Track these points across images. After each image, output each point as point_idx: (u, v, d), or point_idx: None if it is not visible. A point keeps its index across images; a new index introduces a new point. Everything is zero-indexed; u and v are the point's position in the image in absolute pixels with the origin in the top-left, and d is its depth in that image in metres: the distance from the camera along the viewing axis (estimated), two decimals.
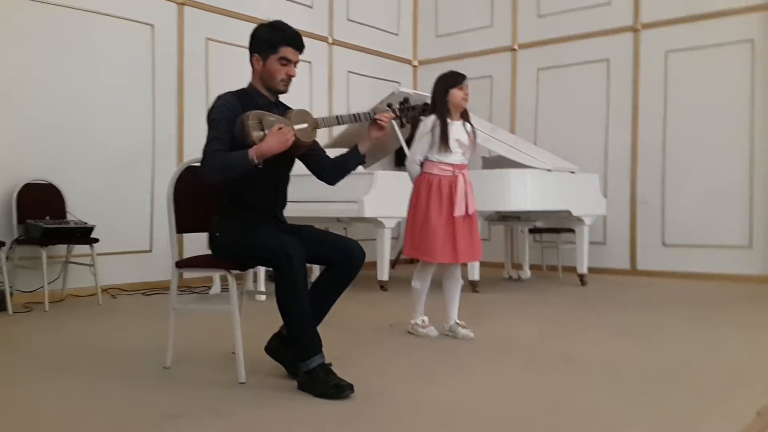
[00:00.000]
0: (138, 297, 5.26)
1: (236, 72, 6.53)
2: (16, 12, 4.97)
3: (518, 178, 5.30)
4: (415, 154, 3.61)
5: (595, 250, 6.92)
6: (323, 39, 7.30)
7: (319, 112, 7.17)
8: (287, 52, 2.70)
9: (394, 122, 2.93)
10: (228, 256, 2.71)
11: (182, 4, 6.02)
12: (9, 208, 4.82)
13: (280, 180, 2.80)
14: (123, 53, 5.64)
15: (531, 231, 6.70)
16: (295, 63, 2.74)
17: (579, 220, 5.87)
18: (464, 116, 3.65)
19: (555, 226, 6.59)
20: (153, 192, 5.79)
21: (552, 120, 7.40)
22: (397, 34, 8.23)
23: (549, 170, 5.44)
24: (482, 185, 5.29)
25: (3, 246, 4.50)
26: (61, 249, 5.03)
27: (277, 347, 2.81)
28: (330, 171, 2.88)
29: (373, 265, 5.76)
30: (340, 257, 2.72)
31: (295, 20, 6.80)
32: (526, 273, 6.58)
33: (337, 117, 2.79)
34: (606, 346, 3.46)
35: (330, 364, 2.54)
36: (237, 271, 2.74)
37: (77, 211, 5.09)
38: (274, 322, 2.76)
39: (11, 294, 4.53)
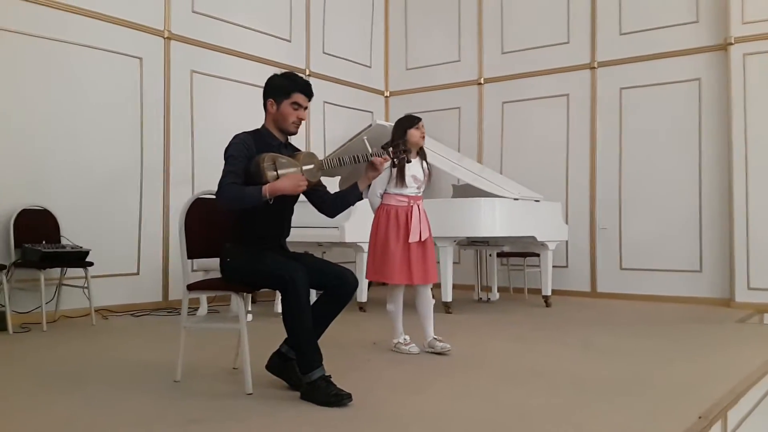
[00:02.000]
0: (127, 318, 5.50)
1: (219, 102, 6.89)
2: (10, 45, 5.22)
3: (487, 206, 5.69)
4: (375, 188, 3.98)
5: (558, 274, 7.38)
6: (301, 71, 7.66)
7: (296, 141, 7.50)
8: (299, 98, 3.05)
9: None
10: (237, 279, 3.03)
11: (169, 38, 6.33)
12: (7, 232, 5.04)
13: (286, 213, 3.14)
14: (113, 85, 5.91)
15: (499, 255, 7.10)
16: (305, 108, 3.09)
17: (543, 245, 6.31)
18: (421, 154, 4.05)
19: (521, 251, 7.03)
20: (141, 216, 6.05)
21: (516, 149, 7.87)
22: (369, 66, 8.65)
23: (516, 199, 5.86)
24: (454, 213, 5.73)
25: (3, 269, 4.71)
26: (55, 272, 5.25)
27: (277, 364, 3.12)
28: (331, 205, 3.23)
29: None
30: (336, 284, 3.06)
31: (274, 53, 7.27)
32: (495, 295, 6.97)
33: (339, 159, 3.15)
34: (570, 359, 3.86)
35: (330, 376, 2.86)
36: (247, 294, 3.07)
37: (70, 234, 5.32)
38: (271, 338, 3.07)
39: (10, 314, 4.72)
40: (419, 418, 2.65)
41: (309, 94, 3.07)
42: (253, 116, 3.54)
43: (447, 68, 8.41)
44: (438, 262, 4.41)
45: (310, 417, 2.64)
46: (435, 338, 4.01)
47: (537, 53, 7.72)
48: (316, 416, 2.65)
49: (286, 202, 3.06)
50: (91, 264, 5.13)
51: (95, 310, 5.31)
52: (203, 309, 5.72)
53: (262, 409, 2.74)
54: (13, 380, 3.29)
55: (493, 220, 5.69)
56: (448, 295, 5.80)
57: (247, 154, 2.91)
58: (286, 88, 3.03)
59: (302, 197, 3.19)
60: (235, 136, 3.02)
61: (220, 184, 2.88)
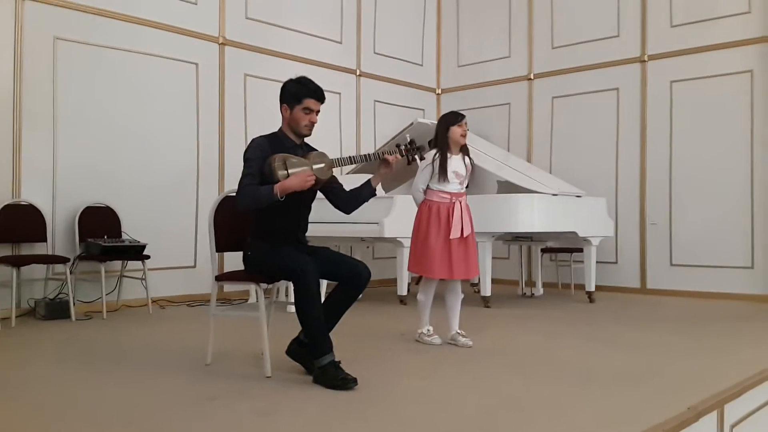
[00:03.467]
0: (183, 308, 5.89)
1: (271, 104, 7.21)
2: (79, 55, 5.68)
3: (526, 202, 5.77)
4: (418, 183, 4.14)
5: (608, 270, 7.36)
6: (351, 71, 7.92)
7: (347, 138, 7.82)
8: (310, 102, 3.28)
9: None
10: (257, 271, 3.29)
11: (223, 44, 6.70)
12: (72, 228, 5.51)
13: (302, 210, 3.38)
14: (171, 89, 6.32)
15: (543, 251, 7.14)
16: (317, 112, 3.31)
17: (586, 240, 6.32)
18: (463, 150, 4.17)
19: (568, 246, 7.05)
20: (197, 213, 6.44)
21: (566, 145, 7.86)
22: (421, 65, 8.81)
23: (554, 195, 5.91)
24: (493, 208, 5.84)
25: (68, 262, 5.18)
26: (116, 264, 5.70)
27: (295, 350, 3.37)
28: (346, 201, 3.45)
29: (394, 281, 6.32)
30: (349, 276, 3.27)
31: (325, 55, 7.52)
32: (539, 290, 7.02)
33: (350, 157, 3.36)
34: (588, 353, 3.93)
35: (339, 362, 3.08)
36: (265, 285, 3.33)
37: (131, 230, 5.76)
38: (297, 328, 3.31)
39: (74, 303, 5.18)
40: (416, 401, 2.83)
41: (320, 99, 3.29)
42: None
43: (497, 64, 8.47)
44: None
45: (317, 398, 2.87)
46: (458, 332, 4.15)
47: (587, 47, 7.68)
48: (323, 397, 2.88)
49: (302, 200, 3.29)
50: (147, 257, 5.54)
51: (153, 301, 5.74)
52: (252, 300, 6.05)
53: (276, 390, 2.99)
54: (70, 361, 3.67)
55: (531, 215, 5.76)
56: (487, 290, 5.92)
57: (262, 156, 3.16)
58: (298, 93, 3.26)
59: (320, 195, 3.42)
60: (252, 140, 3.27)
61: (239, 186, 3.15)
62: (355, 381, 2.98)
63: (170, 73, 6.31)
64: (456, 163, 4.10)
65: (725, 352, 4.02)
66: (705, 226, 6.82)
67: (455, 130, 4.09)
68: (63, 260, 5.16)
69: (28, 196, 5.36)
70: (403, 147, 3.43)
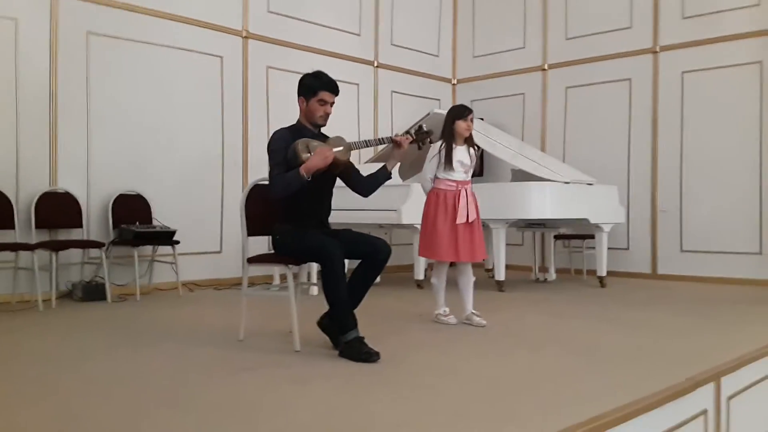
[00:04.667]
0: (210, 291, 6.19)
1: (291, 94, 7.48)
2: (110, 49, 5.96)
3: (538, 190, 5.97)
4: (426, 173, 4.40)
5: (619, 255, 7.56)
6: (369, 63, 8.14)
7: (365, 127, 8.06)
8: (324, 95, 3.53)
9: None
10: (286, 253, 3.55)
11: (246, 37, 6.95)
12: (106, 215, 5.81)
13: (325, 195, 3.64)
14: (197, 81, 6.58)
15: (556, 237, 7.35)
16: (331, 104, 3.56)
17: (598, 227, 6.52)
18: (468, 141, 4.40)
19: (580, 233, 7.25)
20: (223, 201, 6.72)
21: (579, 134, 8.05)
22: (437, 56, 9.01)
23: (566, 182, 6.11)
24: (506, 196, 6.06)
25: (103, 246, 5.48)
26: (148, 249, 5.99)
27: (326, 324, 3.63)
28: (364, 185, 3.70)
29: (411, 267, 6.57)
30: (370, 252, 3.54)
31: (344, 47, 7.74)
32: (552, 275, 7.24)
33: (365, 141, 3.62)
34: (593, 331, 4.17)
35: (363, 338, 3.33)
36: (295, 267, 3.59)
37: (161, 216, 6.05)
38: (321, 308, 3.57)
39: (109, 286, 5.48)
40: (434, 372, 3.09)
41: (334, 91, 3.53)
42: None
43: (512, 55, 8.65)
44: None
45: (344, 369, 3.14)
46: (473, 312, 4.40)
47: (600, 39, 7.84)
48: (349, 368, 3.14)
49: (324, 186, 3.55)
50: (177, 242, 5.83)
51: (182, 284, 6.03)
52: (276, 283, 6.32)
53: (306, 362, 3.26)
54: (111, 339, 3.96)
55: (543, 202, 5.97)
56: (501, 274, 6.15)
57: (285, 145, 3.43)
58: (313, 86, 3.51)
59: (339, 182, 3.67)
60: (274, 132, 3.54)
61: (270, 177, 3.41)
62: (378, 354, 3.24)
63: (196, 66, 6.57)
64: (461, 153, 4.34)
65: (727, 331, 4.23)
66: (715, 213, 7.00)
67: (460, 124, 4.32)
68: (98, 245, 5.46)
69: (64, 185, 5.65)
70: (413, 131, 3.67)
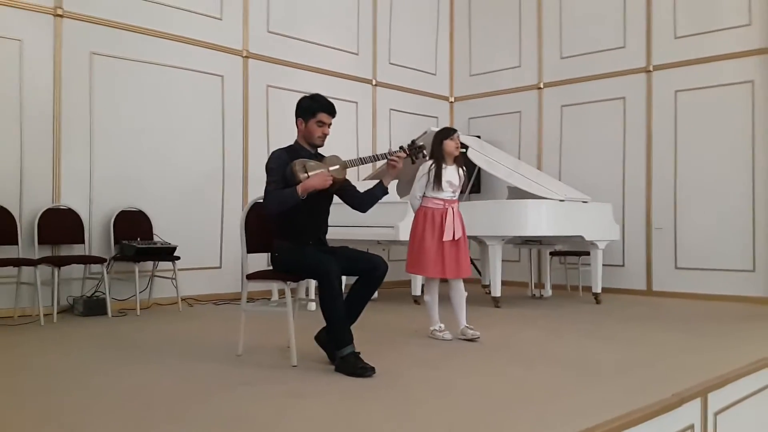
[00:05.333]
0: (210, 306, 6.26)
1: (291, 113, 7.60)
2: (113, 69, 6.07)
3: (533, 207, 6.07)
4: (415, 191, 4.51)
5: (615, 272, 7.64)
6: (368, 81, 8.27)
7: (363, 145, 8.17)
8: (323, 116, 3.64)
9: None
10: (284, 270, 3.64)
11: (246, 57, 7.07)
12: (108, 231, 5.90)
13: (322, 212, 3.73)
14: (198, 100, 6.70)
15: (552, 254, 7.44)
16: (329, 125, 3.66)
17: (593, 244, 6.61)
18: (457, 161, 4.51)
19: (576, 250, 7.34)
20: (223, 217, 6.81)
21: (575, 151, 8.16)
22: (434, 74, 9.14)
23: (561, 200, 6.21)
24: (502, 213, 6.16)
25: (104, 262, 5.56)
26: (148, 264, 6.07)
27: (323, 339, 3.70)
28: (361, 201, 3.79)
29: (408, 282, 6.66)
30: (368, 269, 3.62)
31: (343, 66, 7.86)
32: (548, 291, 7.31)
33: (360, 158, 3.72)
34: (586, 347, 4.25)
35: (359, 353, 3.41)
36: (292, 283, 3.67)
37: (162, 233, 6.14)
38: (319, 323, 3.65)
39: (109, 301, 5.55)
40: (426, 387, 3.17)
41: (332, 113, 3.64)
42: None
43: (508, 74, 8.78)
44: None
45: (340, 383, 3.21)
46: (467, 326, 4.48)
47: (594, 58, 7.97)
48: (344, 383, 3.22)
49: (321, 204, 3.65)
50: (177, 258, 5.92)
51: (182, 299, 6.11)
52: (274, 299, 6.40)
53: (302, 377, 3.33)
54: (109, 352, 4.03)
55: (539, 220, 6.06)
56: (497, 291, 6.22)
57: (281, 165, 3.53)
58: (312, 108, 3.62)
59: (337, 199, 3.76)
60: (272, 153, 3.64)
61: (265, 194, 3.51)
62: (373, 369, 3.32)
63: (197, 85, 6.69)
64: (450, 173, 4.46)
65: (718, 348, 4.30)
66: (708, 231, 7.09)
67: (449, 144, 4.45)
68: (99, 261, 5.54)
69: (67, 201, 5.75)
70: (406, 146, 3.77)
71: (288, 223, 3.62)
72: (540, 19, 8.48)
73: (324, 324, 3.65)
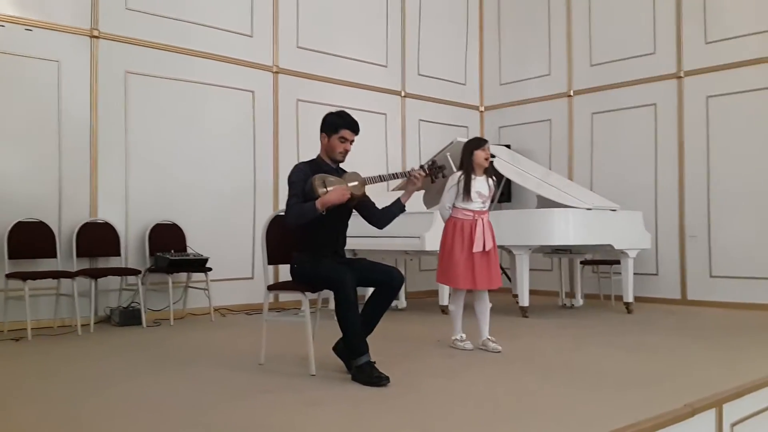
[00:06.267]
0: (242, 315, 6.41)
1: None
2: (147, 87, 6.30)
3: (561, 216, 6.05)
4: (445, 202, 4.54)
5: (648, 281, 7.56)
6: (396, 93, 8.36)
7: (393, 156, 8.26)
8: (345, 133, 3.73)
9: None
10: (302, 281, 3.74)
11: (277, 72, 7.24)
12: (143, 243, 6.11)
13: (340, 226, 3.82)
14: (230, 115, 6.89)
15: (582, 263, 7.39)
16: (351, 141, 3.76)
17: (623, 252, 6.55)
18: (487, 172, 4.53)
19: (608, 259, 7.27)
20: (254, 229, 6.97)
21: (606, 159, 8.10)
22: (464, 84, 9.18)
23: (589, 209, 6.18)
24: (529, 222, 6.16)
25: (139, 274, 5.76)
26: (182, 276, 6.26)
27: (341, 348, 3.79)
28: (378, 217, 3.87)
29: (436, 292, 6.70)
30: (384, 280, 3.69)
31: (372, 78, 7.96)
32: (578, 301, 7.26)
33: (380, 176, 3.79)
34: (607, 357, 4.23)
35: (374, 362, 3.48)
36: (311, 293, 3.77)
37: (195, 245, 6.33)
38: (339, 334, 3.73)
39: (145, 311, 5.75)
40: (439, 397, 3.22)
41: (355, 130, 3.73)
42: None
43: (538, 82, 8.78)
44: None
45: (354, 392, 3.29)
46: (489, 338, 4.50)
47: (624, 64, 7.92)
48: (359, 392, 3.30)
49: (339, 218, 3.74)
50: (209, 269, 6.09)
51: (215, 309, 6.27)
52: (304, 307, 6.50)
53: (317, 385, 3.42)
54: (143, 361, 4.20)
55: (566, 228, 6.04)
56: (524, 300, 6.22)
57: (304, 178, 3.63)
58: (335, 124, 3.72)
59: (356, 213, 3.85)
60: (295, 166, 3.75)
61: (286, 206, 3.62)
62: (387, 379, 3.38)
63: (229, 101, 6.88)
64: (480, 184, 4.47)
65: (743, 359, 4.23)
66: (744, 238, 6.95)
67: (479, 154, 4.46)
68: (135, 272, 5.74)
69: (104, 215, 5.97)
70: (426, 166, 3.84)
71: (306, 235, 3.72)
72: (569, 26, 8.46)
73: (339, 337, 3.74)
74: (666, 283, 7.54)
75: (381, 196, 4.79)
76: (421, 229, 6.21)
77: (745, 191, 6.96)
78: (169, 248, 6.07)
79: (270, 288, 3.93)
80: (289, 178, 3.73)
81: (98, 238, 5.85)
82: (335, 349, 3.82)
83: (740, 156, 7.01)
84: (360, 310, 3.62)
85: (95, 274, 5.56)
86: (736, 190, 7.03)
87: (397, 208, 3.84)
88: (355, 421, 2.84)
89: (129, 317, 5.71)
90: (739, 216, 7.01)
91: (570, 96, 8.45)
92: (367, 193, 3.84)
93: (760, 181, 6.86)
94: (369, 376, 3.40)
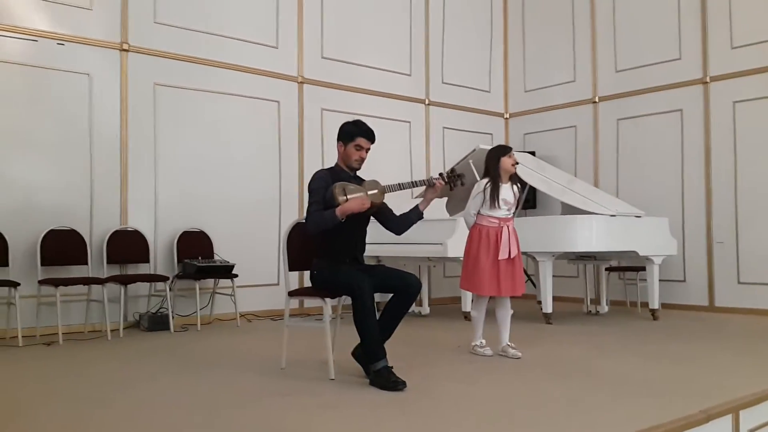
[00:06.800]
0: (267, 321, 6.52)
1: None
2: (176, 98, 6.47)
3: (584, 223, 6.04)
4: (470, 209, 4.57)
5: (675, 287, 7.49)
6: (421, 101, 8.43)
7: (417, 163, 8.32)
8: (361, 141, 3.82)
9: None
10: (322, 287, 3.81)
11: (302, 82, 7.37)
12: (171, 251, 6.26)
13: (359, 233, 3.89)
14: (256, 125, 7.02)
15: (607, 269, 7.34)
16: (367, 150, 3.84)
17: (648, 259, 6.50)
18: (512, 179, 4.55)
19: (634, 265, 7.22)
20: (279, 236, 7.06)
21: (632, 165, 8.05)
22: (488, 91, 9.21)
23: (612, 215, 6.15)
24: (553, 229, 6.16)
25: (168, 280, 5.90)
26: (209, 282, 6.39)
27: (359, 354, 3.85)
28: (396, 224, 3.94)
29: (459, 299, 6.72)
30: (401, 286, 3.75)
31: (396, 87, 8.03)
32: (604, 308, 7.21)
33: (399, 184, 3.86)
34: (627, 363, 4.22)
35: (392, 367, 3.54)
36: (330, 299, 3.84)
37: (222, 252, 6.46)
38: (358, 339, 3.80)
39: (172, 317, 5.89)
40: (455, 401, 3.25)
41: (370, 138, 3.82)
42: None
43: (563, 88, 8.77)
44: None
45: (371, 396, 3.35)
46: (509, 345, 4.52)
47: (649, 70, 7.87)
48: (376, 396, 3.36)
49: (358, 225, 3.81)
50: (236, 276, 6.21)
51: (241, 315, 6.39)
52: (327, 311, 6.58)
53: (335, 389, 3.49)
54: (161, 366, 4.30)
55: (589, 235, 6.02)
56: (548, 307, 6.21)
57: (325, 186, 3.72)
58: (351, 132, 3.80)
59: (374, 219, 3.92)
60: (315, 173, 3.84)
61: (308, 212, 3.71)
62: (404, 383, 3.43)
63: (255, 111, 7.02)
64: (506, 191, 4.49)
65: (753, 368, 4.15)
66: None
67: (506, 161, 4.48)
68: (163, 279, 5.89)
69: (134, 223, 6.14)
70: (445, 174, 3.89)
71: (326, 242, 3.80)
72: (594, 33, 8.44)
73: (358, 342, 3.81)
74: (693, 289, 7.45)
75: (406, 203, 4.85)
76: (444, 235, 6.25)
77: None
78: (196, 255, 6.21)
79: (291, 294, 4.02)
80: (310, 185, 3.83)
81: (128, 246, 6.01)
82: (354, 354, 3.88)
83: (767, 162, 6.91)
84: (378, 315, 3.69)
85: (125, 280, 5.71)
86: (764, 195, 6.93)
87: (415, 215, 3.90)
88: (370, 425, 2.90)
89: (157, 322, 5.85)
90: (765, 221, 6.91)
91: (595, 102, 8.43)
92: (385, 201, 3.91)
93: None
94: (386, 380, 3.46)
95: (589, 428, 2.82)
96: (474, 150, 6.78)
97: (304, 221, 4.03)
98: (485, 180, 4.53)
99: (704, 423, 2.92)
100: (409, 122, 8.24)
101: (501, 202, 4.46)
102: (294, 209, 7.24)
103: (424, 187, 3.95)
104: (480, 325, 4.64)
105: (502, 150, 4.56)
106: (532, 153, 8.19)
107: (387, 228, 3.96)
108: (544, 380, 3.76)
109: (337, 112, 7.49)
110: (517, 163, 5.55)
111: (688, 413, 2.93)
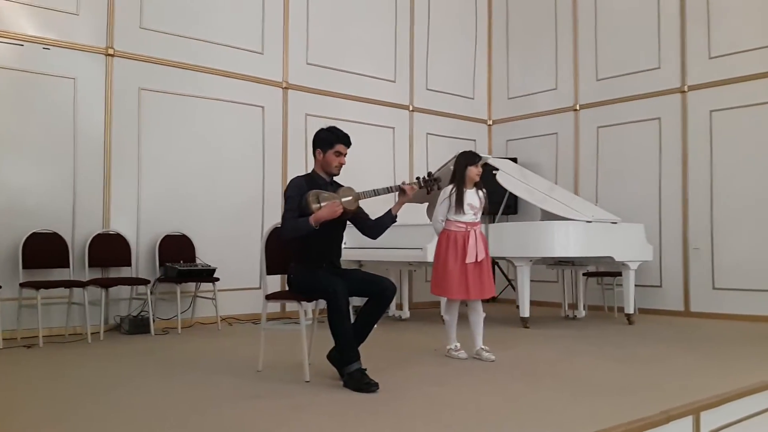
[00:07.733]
0: (249, 325, 6.58)
1: None
2: (160, 103, 6.52)
3: (560, 229, 6.15)
4: (438, 215, 4.68)
5: (652, 293, 7.61)
6: (405, 107, 8.52)
7: (400, 169, 8.40)
8: (340, 147, 3.90)
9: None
10: (298, 291, 3.89)
11: (286, 88, 7.45)
12: (153, 254, 6.31)
13: (335, 238, 3.97)
14: (240, 130, 7.09)
15: (585, 274, 7.46)
16: (345, 155, 3.91)
17: (623, 264, 6.62)
18: (477, 185, 4.66)
19: (611, 270, 7.34)
20: (262, 240, 7.12)
21: (611, 172, 8.18)
22: (472, 98, 9.33)
23: (588, 221, 6.27)
24: (530, 235, 6.27)
25: (149, 283, 5.95)
26: (191, 286, 6.44)
27: (334, 356, 3.92)
28: (371, 228, 4.02)
29: (439, 303, 6.80)
30: (376, 291, 3.83)
31: (380, 93, 8.11)
32: (581, 312, 7.32)
33: (374, 190, 3.94)
34: (595, 367, 4.32)
35: (365, 369, 3.62)
36: (306, 302, 3.92)
37: (204, 256, 6.52)
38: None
39: (153, 320, 5.94)
40: (425, 403, 3.34)
41: (348, 144, 3.90)
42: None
43: (545, 96, 8.90)
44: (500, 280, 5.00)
45: (343, 398, 3.43)
46: (482, 348, 4.61)
47: (629, 79, 8.01)
48: (348, 397, 3.44)
49: (334, 230, 3.89)
50: (217, 279, 6.27)
51: (223, 318, 6.45)
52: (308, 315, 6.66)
53: (309, 391, 3.56)
54: (139, 369, 4.36)
55: (566, 241, 6.13)
56: (525, 311, 6.31)
57: (300, 193, 3.80)
58: (330, 140, 3.88)
59: (350, 225, 4.00)
60: (291, 180, 3.92)
61: (282, 220, 3.78)
62: (377, 385, 3.51)
63: (240, 116, 7.09)
64: (471, 196, 4.61)
65: (734, 369, 4.27)
66: (746, 251, 6.99)
67: (472, 170, 4.60)
68: (145, 282, 5.94)
69: (116, 227, 6.19)
70: (422, 178, 3.98)
71: (302, 247, 3.88)
72: (576, 41, 8.58)
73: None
74: (670, 295, 7.58)
75: (388, 206, 4.93)
76: (424, 240, 6.34)
77: (748, 204, 7.01)
78: (178, 259, 6.26)
79: (268, 297, 4.09)
80: (286, 192, 3.91)
81: (110, 249, 6.06)
82: (329, 356, 3.96)
83: (743, 169, 7.06)
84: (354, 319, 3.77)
85: (106, 283, 5.76)
86: (739, 203, 7.08)
87: (388, 219, 3.98)
88: (341, 425, 2.98)
89: (138, 326, 5.89)
90: (742, 229, 7.06)
91: (576, 110, 8.56)
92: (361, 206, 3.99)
93: (763, 195, 6.91)
94: (359, 382, 3.54)
95: (549, 428, 2.90)
96: (455, 156, 6.87)
97: (279, 227, 4.11)
98: (450, 186, 4.64)
99: (664, 423, 3.01)
100: (393, 128, 8.33)
101: (467, 207, 4.57)
102: (277, 214, 7.26)
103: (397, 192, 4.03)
104: (453, 328, 4.73)
105: (471, 158, 4.67)
106: (514, 159, 8.30)
107: (363, 233, 4.04)
108: (514, 383, 3.85)
109: (322, 118, 7.54)
110: (497, 170, 5.67)
111: (649, 414, 3.02)
